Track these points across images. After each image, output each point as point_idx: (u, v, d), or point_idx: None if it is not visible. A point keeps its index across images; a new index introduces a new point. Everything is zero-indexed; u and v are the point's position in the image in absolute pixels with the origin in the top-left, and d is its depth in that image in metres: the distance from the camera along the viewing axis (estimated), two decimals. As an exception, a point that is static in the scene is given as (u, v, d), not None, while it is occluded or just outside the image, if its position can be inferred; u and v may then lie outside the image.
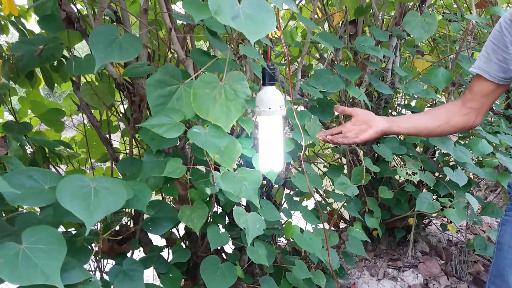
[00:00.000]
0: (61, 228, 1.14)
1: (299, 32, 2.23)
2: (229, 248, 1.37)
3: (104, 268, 1.26)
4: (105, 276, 1.09)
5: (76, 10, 1.25)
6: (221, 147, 0.93)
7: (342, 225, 2.41)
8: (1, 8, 1.31)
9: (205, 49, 1.86)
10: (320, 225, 1.37)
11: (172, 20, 1.18)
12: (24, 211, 0.96)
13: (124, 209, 1.15)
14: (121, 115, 1.40)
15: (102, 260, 1.23)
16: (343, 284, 1.83)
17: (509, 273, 0.97)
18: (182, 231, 1.41)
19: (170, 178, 1.11)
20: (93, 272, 1.23)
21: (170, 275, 1.18)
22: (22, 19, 1.48)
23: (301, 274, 1.26)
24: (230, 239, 1.18)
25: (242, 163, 1.44)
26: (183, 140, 1.28)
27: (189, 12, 0.91)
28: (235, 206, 1.18)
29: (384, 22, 2.12)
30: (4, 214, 0.99)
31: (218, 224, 1.22)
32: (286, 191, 1.67)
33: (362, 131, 1.04)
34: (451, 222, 2.25)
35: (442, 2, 2.82)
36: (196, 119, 0.99)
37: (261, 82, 1.02)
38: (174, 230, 1.36)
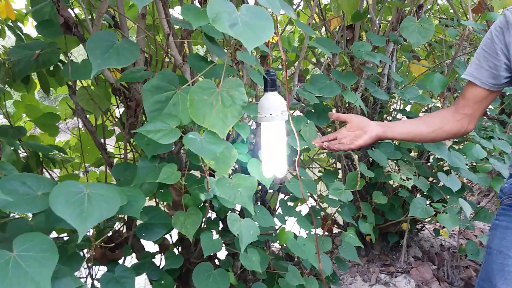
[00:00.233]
0: (54, 234, 1.13)
1: (297, 37, 2.23)
2: (222, 253, 1.37)
3: (95, 275, 1.25)
4: (96, 283, 1.08)
5: (74, 15, 1.25)
6: (216, 153, 0.93)
7: (336, 230, 2.41)
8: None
9: (203, 53, 1.85)
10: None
11: (170, 26, 1.18)
12: (16, 216, 0.95)
13: (117, 215, 1.15)
14: (116, 119, 1.39)
15: (93, 266, 1.22)
16: (336, 289, 1.83)
17: (497, 277, 0.97)
18: (175, 237, 1.40)
19: (165, 184, 1.11)
20: (85, 279, 1.22)
21: (162, 281, 1.17)
22: (19, 23, 1.47)
23: (294, 280, 1.27)
24: (223, 245, 1.17)
25: (237, 168, 1.43)
26: (178, 145, 1.28)
27: (187, 19, 0.91)
28: (229, 212, 1.17)
29: (381, 27, 2.12)
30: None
31: (212, 230, 1.22)
32: (281, 195, 1.67)
33: (357, 137, 1.04)
34: (444, 227, 2.27)
35: (438, 7, 2.83)
36: (192, 124, 0.98)
37: (263, 88, 1.02)
38: (167, 236, 1.35)
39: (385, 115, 2.10)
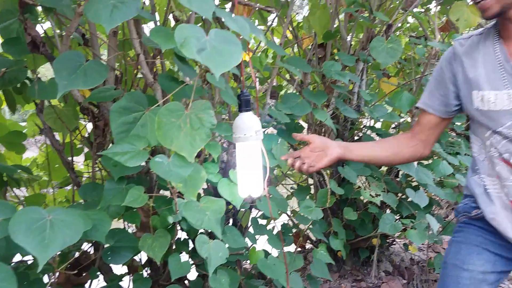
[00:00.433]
0: (18, 256, 1.09)
1: (271, 53, 2.26)
2: (193, 274, 1.35)
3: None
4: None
5: (43, 31, 1.22)
6: (184, 177, 0.93)
7: (309, 246, 2.42)
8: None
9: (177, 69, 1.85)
10: (286, 249, 1.37)
11: (141, 45, 1.17)
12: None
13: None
14: (83, 139, 1.37)
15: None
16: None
17: None
18: (144, 258, 1.38)
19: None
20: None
21: (130, 305, 1.15)
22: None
23: (264, 299, 1.27)
24: (194, 265, 1.16)
25: (208, 186, 1.43)
26: (148, 164, 1.26)
27: (156, 41, 0.91)
28: (199, 232, 1.17)
29: (353, 44, 2.18)
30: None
31: (182, 251, 1.20)
32: (254, 213, 1.67)
33: (319, 158, 1.08)
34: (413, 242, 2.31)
35: (409, 25, 2.93)
36: (161, 144, 0.98)
37: (238, 108, 1.02)
38: (136, 257, 1.33)
39: (356, 132, 2.15)
